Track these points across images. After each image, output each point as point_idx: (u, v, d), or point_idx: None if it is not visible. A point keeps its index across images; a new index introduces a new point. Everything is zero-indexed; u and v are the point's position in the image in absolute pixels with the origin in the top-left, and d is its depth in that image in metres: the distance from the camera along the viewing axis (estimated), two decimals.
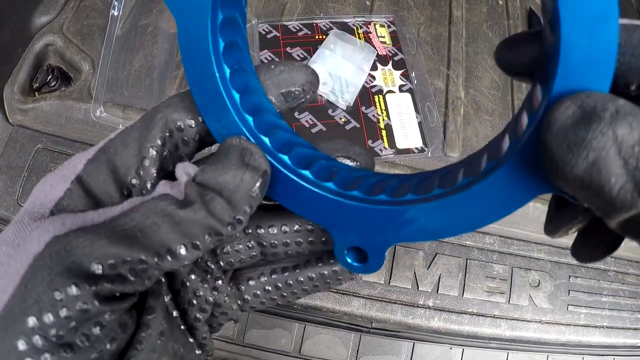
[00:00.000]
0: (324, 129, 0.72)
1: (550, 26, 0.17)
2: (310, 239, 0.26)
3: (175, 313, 0.25)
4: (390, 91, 0.77)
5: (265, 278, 0.27)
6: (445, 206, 0.21)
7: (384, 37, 0.83)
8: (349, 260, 0.24)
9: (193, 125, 0.24)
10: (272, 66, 0.24)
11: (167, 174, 0.24)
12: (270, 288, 0.27)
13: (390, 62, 0.80)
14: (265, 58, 0.77)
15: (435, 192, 0.22)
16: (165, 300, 0.24)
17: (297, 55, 0.78)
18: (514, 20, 0.95)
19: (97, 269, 0.19)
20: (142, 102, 0.71)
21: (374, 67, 0.79)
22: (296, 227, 0.26)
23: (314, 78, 0.24)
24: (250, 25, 0.80)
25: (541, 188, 0.19)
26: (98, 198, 0.23)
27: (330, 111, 0.73)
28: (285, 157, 0.23)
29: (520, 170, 0.19)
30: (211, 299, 0.26)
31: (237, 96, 0.23)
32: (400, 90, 0.77)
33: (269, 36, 0.79)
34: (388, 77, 0.78)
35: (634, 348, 0.74)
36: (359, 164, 0.25)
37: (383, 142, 0.72)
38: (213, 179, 0.21)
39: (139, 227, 0.20)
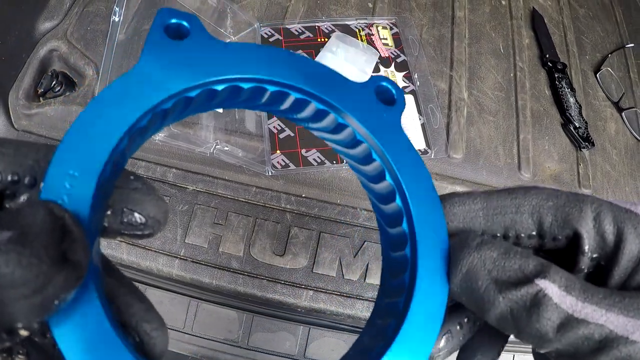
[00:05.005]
0: None
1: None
2: None
3: None
4: None
5: None
6: None
7: (386, 39, 0.83)
8: None
9: None
10: (131, 176, 0.20)
11: None
12: None
13: (393, 64, 0.80)
14: None
15: None
16: None
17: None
18: (517, 20, 0.95)
19: None
20: None
21: (376, 69, 0.79)
22: None
23: (164, 220, 0.20)
24: (253, 29, 0.80)
25: None
26: None
27: None
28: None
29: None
30: None
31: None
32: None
33: (271, 39, 0.79)
34: (391, 79, 0.78)
35: None
36: (141, 344, 0.19)
37: None
38: (10, 270, 0.14)
39: None
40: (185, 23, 0.22)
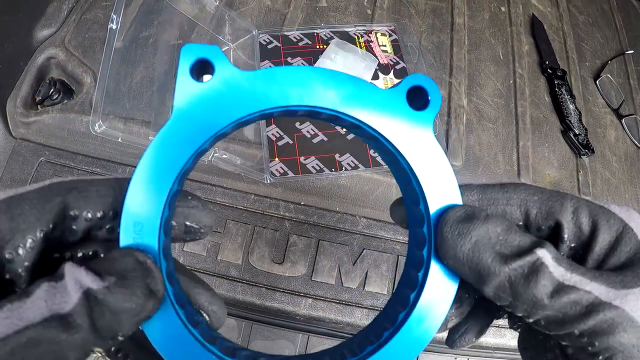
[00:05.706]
0: (325, 139, 0.71)
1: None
2: None
3: None
4: None
5: None
6: None
7: (385, 45, 0.83)
8: None
9: (89, 218, 0.24)
10: (189, 197, 0.26)
11: (43, 256, 0.23)
12: None
13: (392, 71, 0.80)
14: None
15: None
16: None
17: (298, 65, 0.78)
18: (517, 27, 0.95)
19: None
20: (143, 115, 0.71)
21: (375, 76, 0.78)
22: None
23: (213, 225, 0.27)
24: (251, 36, 0.80)
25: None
26: None
27: None
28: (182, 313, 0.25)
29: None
30: None
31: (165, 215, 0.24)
32: None
33: (269, 47, 0.79)
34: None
35: None
36: (209, 321, 0.26)
37: None
38: (119, 304, 0.21)
39: (23, 356, 0.20)
40: (208, 58, 0.24)
